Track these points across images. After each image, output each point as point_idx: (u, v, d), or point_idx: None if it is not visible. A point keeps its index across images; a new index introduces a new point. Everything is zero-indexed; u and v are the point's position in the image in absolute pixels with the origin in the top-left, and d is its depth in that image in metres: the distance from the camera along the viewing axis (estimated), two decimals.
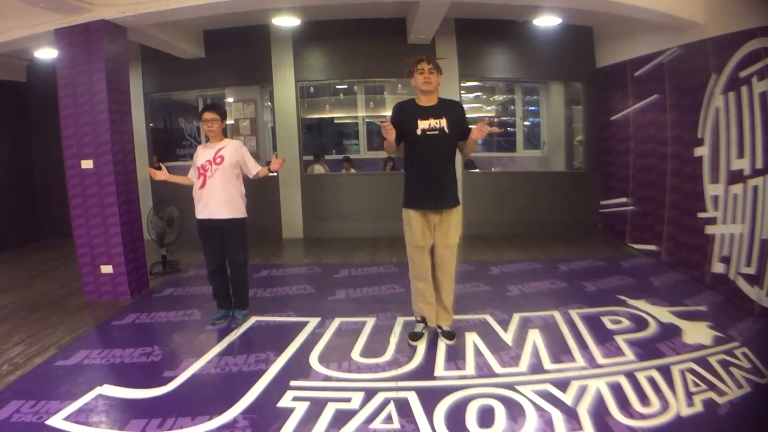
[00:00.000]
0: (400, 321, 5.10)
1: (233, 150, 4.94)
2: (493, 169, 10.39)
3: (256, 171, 5.06)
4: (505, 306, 5.45)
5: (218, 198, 4.87)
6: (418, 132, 4.23)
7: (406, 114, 4.32)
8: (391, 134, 4.11)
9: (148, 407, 3.63)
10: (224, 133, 5.08)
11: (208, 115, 4.90)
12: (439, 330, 4.67)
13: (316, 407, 3.58)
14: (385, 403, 3.62)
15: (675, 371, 3.95)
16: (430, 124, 4.24)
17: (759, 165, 5.16)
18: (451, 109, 4.36)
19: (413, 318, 4.80)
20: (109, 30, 5.71)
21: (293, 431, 3.33)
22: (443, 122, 4.24)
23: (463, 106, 4.69)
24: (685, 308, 5.29)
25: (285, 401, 3.68)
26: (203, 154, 4.94)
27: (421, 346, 4.50)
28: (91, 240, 5.91)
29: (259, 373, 4.09)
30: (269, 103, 9.90)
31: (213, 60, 8.93)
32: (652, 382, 3.81)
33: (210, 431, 3.34)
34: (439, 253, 4.46)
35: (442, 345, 4.52)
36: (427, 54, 4.36)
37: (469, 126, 4.35)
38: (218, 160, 4.87)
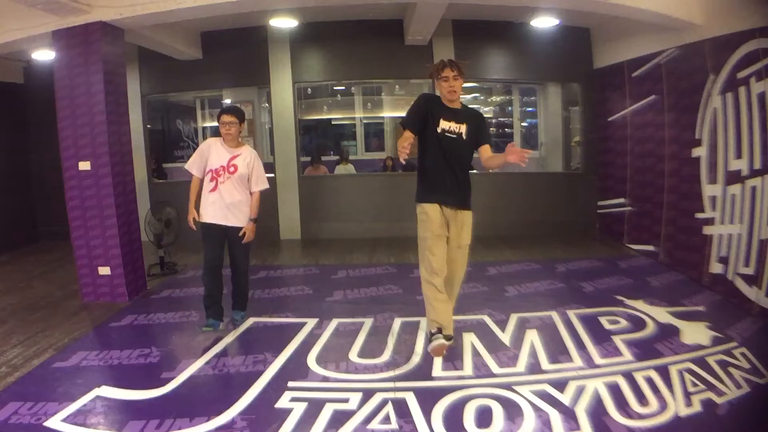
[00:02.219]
0: (397, 322, 5.09)
1: (246, 161, 4.85)
2: (490, 170, 10.39)
3: (257, 190, 4.94)
4: (502, 306, 5.45)
5: (226, 206, 4.81)
6: (438, 129, 4.18)
7: (433, 108, 4.24)
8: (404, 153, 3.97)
9: (146, 408, 3.62)
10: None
11: (226, 118, 4.78)
12: None
13: (314, 408, 3.57)
14: (383, 403, 3.62)
15: (673, 371, 3.95)
16: (450, 126, 4.20)
17: (757, 165, 5.17)
18: (473, 118, 4.33)
19: (411, 319, 4.79)
20: (106, 32, 5.71)
21: None
22: (463, 128, 4.22)
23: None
24: (683, 308, 5.29)
25: (283, 402, 3.67)
26: (219, 155, 4.83)
27: (419, 347, 4.50)
28: (88, 242, 5.90)
29: (257, 374, 4.08)
30: (267, 105, 9.90)
31: (210, 61, 8.93)
32: (650, 382, 3.81)
33: None
34: (451, 253, 4.31)
35: None
36: (451, 59, 4.26)
37: (491, 138, 4.35)
38: (231, 169, 4.80)
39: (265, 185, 5.00)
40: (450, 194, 4.25)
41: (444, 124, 4.20)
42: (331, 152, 12.44)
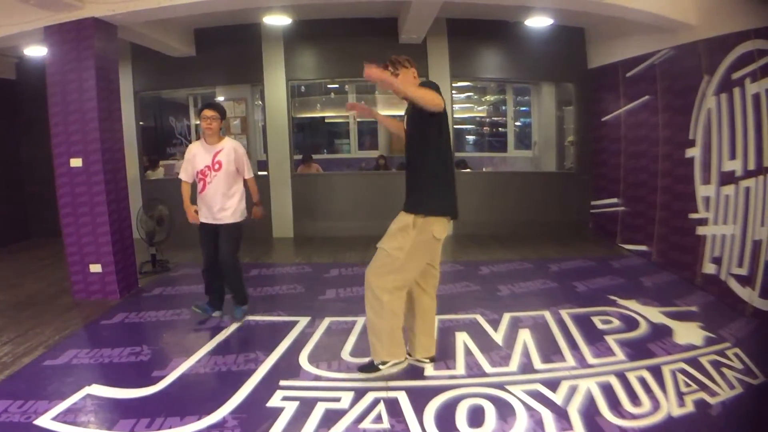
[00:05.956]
0: None
1: (230, 154, 4.90)
2: (484, 169, 10.40)
3: (250, 177, 5.08)
4: (495, 306, 5.44)
5: (216, 204, 4.90)
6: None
7: None
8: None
9: (137, 407, 3.60)
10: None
11: (208, 113, 4.85)
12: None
13: (306, 407, 3.56)
14: (374, 402, 3.60)
15: (666, 371, 3.95)
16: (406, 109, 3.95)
17: (751, 166, 5.18)
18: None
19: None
20: (99, 28, 5.67)
21: (282, 431, 3.31)
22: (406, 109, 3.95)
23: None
24: (676, 308, 5.30)
25: (274, 401, 3.65)
26: (202, 157, 4.91)
27: None
28: (80, 239, 5.86)
29: (249, 373, 4.06)
30: (260, 102, 9.88)
31: (204, 58, 8.89)
32: (642, 382, 3.81)
33: (199, 431, 3.31)
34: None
35: None
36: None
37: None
38: (216, 167, 4.87)
39: (251, 173, 5.10)
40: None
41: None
42: (325, 150, 12.44)
